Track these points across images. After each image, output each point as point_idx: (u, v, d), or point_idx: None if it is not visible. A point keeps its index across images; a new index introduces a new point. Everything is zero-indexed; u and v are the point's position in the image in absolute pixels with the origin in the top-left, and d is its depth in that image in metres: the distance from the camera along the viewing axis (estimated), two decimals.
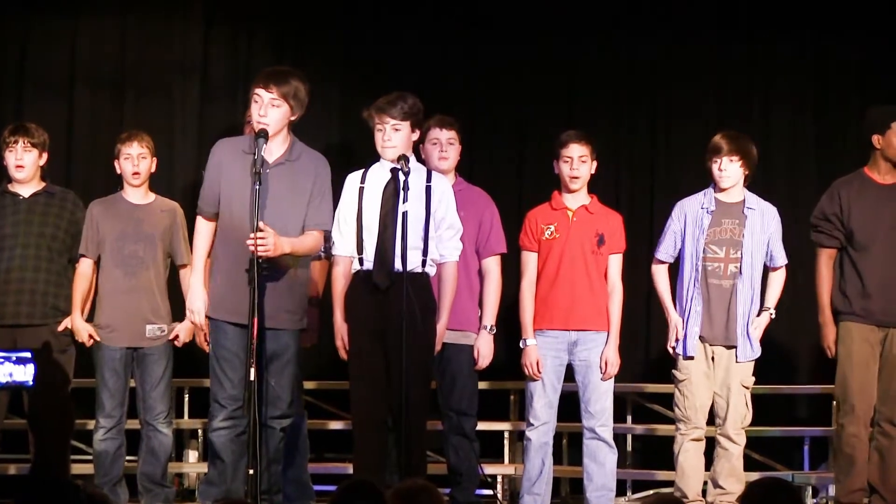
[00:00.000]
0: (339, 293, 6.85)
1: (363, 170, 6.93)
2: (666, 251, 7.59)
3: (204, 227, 6.75)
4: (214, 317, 6.68)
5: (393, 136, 6.79)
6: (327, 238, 7.01)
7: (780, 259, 7.54)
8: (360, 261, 6.79)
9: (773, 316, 7.54)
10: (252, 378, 6.42)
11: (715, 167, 7.47)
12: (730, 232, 7.45)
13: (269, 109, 6.64)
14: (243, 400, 6.62)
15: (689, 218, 7.51)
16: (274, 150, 6.67)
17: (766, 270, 7.56)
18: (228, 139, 6.93)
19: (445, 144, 7.45)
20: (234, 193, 6.65)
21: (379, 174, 6.84)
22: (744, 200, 7.51)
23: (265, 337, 6.57)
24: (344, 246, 6.86)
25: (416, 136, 6.89)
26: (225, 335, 6.64)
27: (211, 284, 6.71)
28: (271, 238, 6.43)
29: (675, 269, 7.62)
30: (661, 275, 7.64)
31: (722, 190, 7.50)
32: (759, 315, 7.49)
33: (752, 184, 7.61)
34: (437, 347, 6.90)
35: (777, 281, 7.57)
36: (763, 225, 7.48)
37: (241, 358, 6.60)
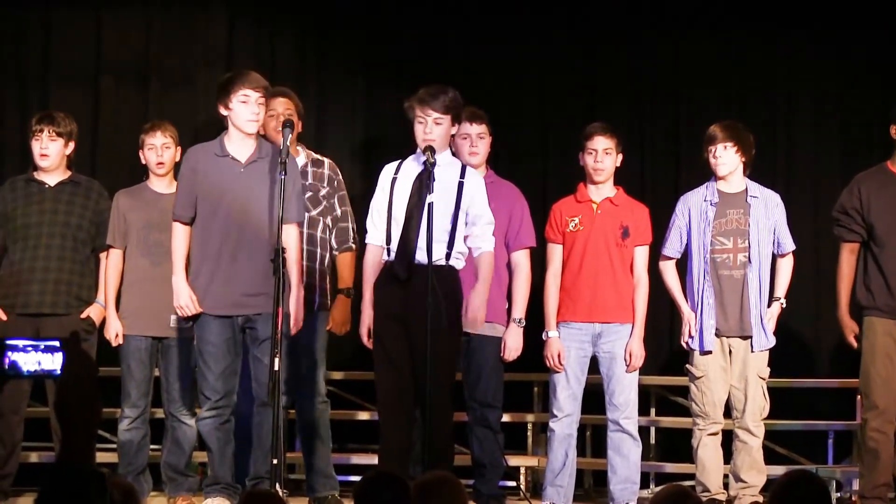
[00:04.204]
0: (368, 281, 6.88)
1: (399, 161, 6.94)
2: (672, 247, 7.59)
3: (183, 232, 7.04)
4: (202, 311, 6.97)
5: (434, 129, 6.78)
6: (354, 230, 7.44)
7: (788, 245, 7.55)
8: (388, 251, 6.81)
9: (784, 305, 7.55)
10: (276, 368, 6.54)
11: (710, 155, 7.48)
12: (735, 222, 7.46)
13: (261, 108, 7.03)
14: (227, 392, 6.96)
15: (693, 212, 7.52)
16: (245, 150, 7.03)
17: (775, 259, 7.56)
18: (199, 146, 7.21)
19: (476, 139, 7.43)
20: (214, 193, 6.95)
21: (413, 166, 6.83)
22: (746, 189, 7.52)
23: (256, 323, 6.90)
24: (375, 235, 6.89)
25: (455, 129, 6.89)
26: (209, 330, 6.95)
27: (194, 280, 6.98)
28: (290, 320, 6.86)
29: (682, 265, 7.63)
30: (669, 271, 7.63)
31: (721, 178, 7.50)
32: (769, 306, 7.49)
33: (777, 179, 7.60)
34: (479, 325, 6.87)
35: (785, 268, 7.57)
36: (767, 212, 7.49)
37: (222, 350, 6.93)
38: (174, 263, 7.03)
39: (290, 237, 6.94)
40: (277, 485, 6.49)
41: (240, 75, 7.07)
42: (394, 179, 6.87)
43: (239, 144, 7.00)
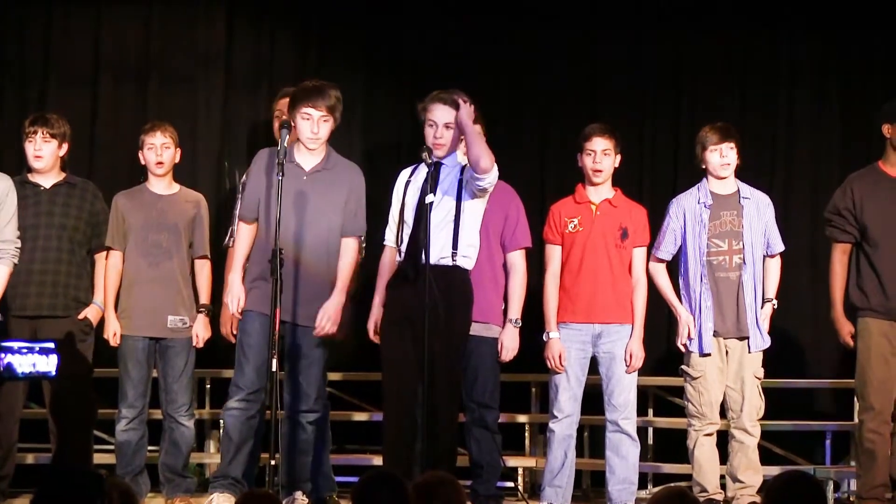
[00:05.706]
0: (380, 280, 7.02)
1: (415, 165, 7.04)
2: (666, 249, 7.60)
3: (245, 231, 7.10)
4: (248, 308, 7.01)
5: (444, 133, 6.88)
6: None
7: (778, 246, 7.57)
8: (400, 253, 6.90)
9: (776, 306, 7.56)
10: (274, 369, 6.59)
11: (715, 156, 7.50)
12: (729, 224, 7.48)
13: (321, 125, 6.98)
14: (261, 388, 6.95)
15: (687, 215, 7.53)
16: (312, 158, 7.04)
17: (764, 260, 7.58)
18: (270, 149, 7.20)
19: None
20: (272, 196, 6.93)
21: (426, 169, 6.87)
22: (738, 191, 7.54)
23: (297, 333, 6.97)
24: (390, 237, 7.02)
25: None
26: (253, 325, 6.97)
27: (247, 278, 7.05)
28: (326, 320, 6.90)
29: (673, 267, 7.63)
30: (661, 273, 7.64)
31: (720, 179, 7.50)
32: (762, 307, 7.50)
33: (775, 180, 7.61)
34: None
35: (774, 269, 7.59)
36: (759, 213, 7.52)
37: (262, 346, 6.91)
38: (234, 261, 7.12)
39: (348, 249, 7.04)
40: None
41: (304, 91, 7.04)
42: (407, 182, 6.99)
43: (306, 153, 7.06)
